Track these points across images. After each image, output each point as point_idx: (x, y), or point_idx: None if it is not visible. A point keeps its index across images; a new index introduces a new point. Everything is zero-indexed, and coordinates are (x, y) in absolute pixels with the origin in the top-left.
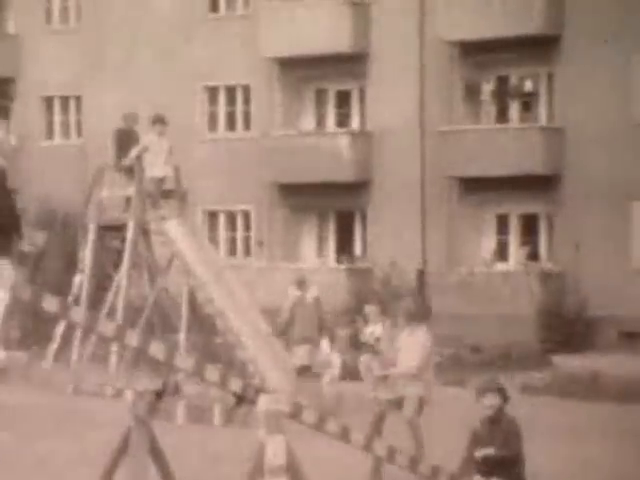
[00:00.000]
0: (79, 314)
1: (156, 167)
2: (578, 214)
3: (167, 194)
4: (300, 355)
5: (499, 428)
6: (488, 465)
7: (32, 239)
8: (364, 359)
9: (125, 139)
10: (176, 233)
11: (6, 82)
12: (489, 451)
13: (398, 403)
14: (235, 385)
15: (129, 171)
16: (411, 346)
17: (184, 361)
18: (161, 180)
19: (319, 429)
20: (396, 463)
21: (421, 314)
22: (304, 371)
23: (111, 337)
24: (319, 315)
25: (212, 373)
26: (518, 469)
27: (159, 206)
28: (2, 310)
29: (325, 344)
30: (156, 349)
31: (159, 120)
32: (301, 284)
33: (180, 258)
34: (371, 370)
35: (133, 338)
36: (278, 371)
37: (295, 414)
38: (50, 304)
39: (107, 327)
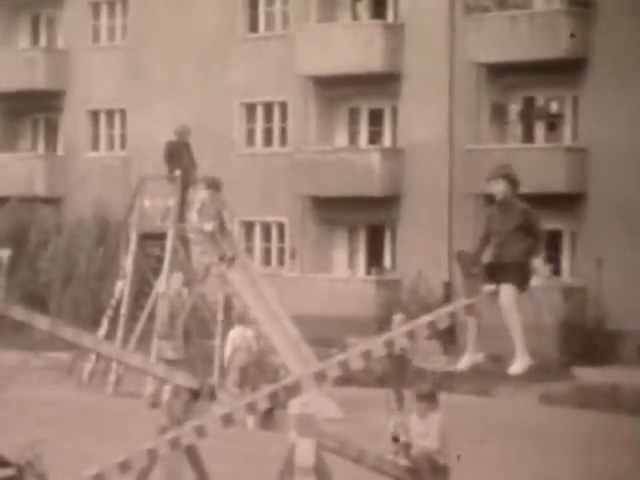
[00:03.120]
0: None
1: (206, 223)
2: (600, 231)
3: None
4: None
5: (511, 214)
6: (492, 268)
7: None
8: (391, 423)
9: (177, 151)
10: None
11: (55, 96)
12: (492, 287)
13: (414, 473)
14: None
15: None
16: (429, 430)
17: None
18: (211, 232)
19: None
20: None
21: (434, 397)
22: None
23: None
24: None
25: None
26: (520, 269)
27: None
28: None
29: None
30: None
31: (214, 185)
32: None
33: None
34: (397, 437)
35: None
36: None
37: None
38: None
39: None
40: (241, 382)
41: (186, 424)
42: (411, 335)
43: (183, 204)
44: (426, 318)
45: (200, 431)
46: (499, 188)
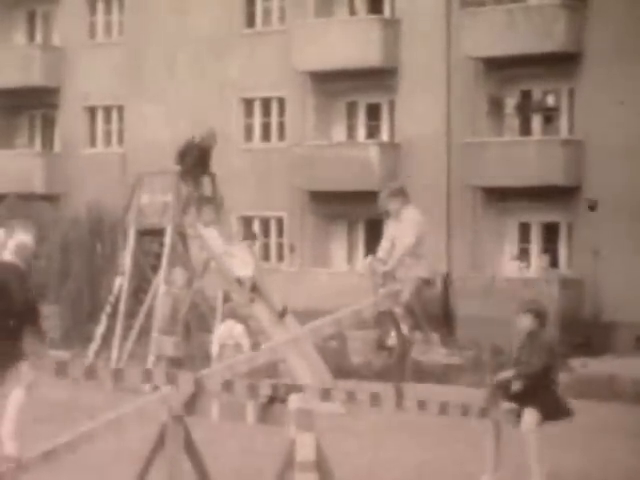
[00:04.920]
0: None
1: (238, 270)
2: (597, 223)
3: (205, 200)
4: None
5: (538, 348)
6: (517, 392)
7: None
8: (368, 260)
9: (196, 152)
10: (212, 238)
11: (52, 92)
12: (508, 373)
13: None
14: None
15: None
16: (401, 229)
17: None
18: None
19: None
20: (428, 410)
21: (400, 191)
22: None
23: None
24: None
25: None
26: (550, 390)
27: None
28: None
29: None
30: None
31: (250, 236)
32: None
33: (217, 261)
34: (376, 270)
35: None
36: (308, 370)
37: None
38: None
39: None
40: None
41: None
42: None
43: (188, 203)
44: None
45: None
46: (526, 323)
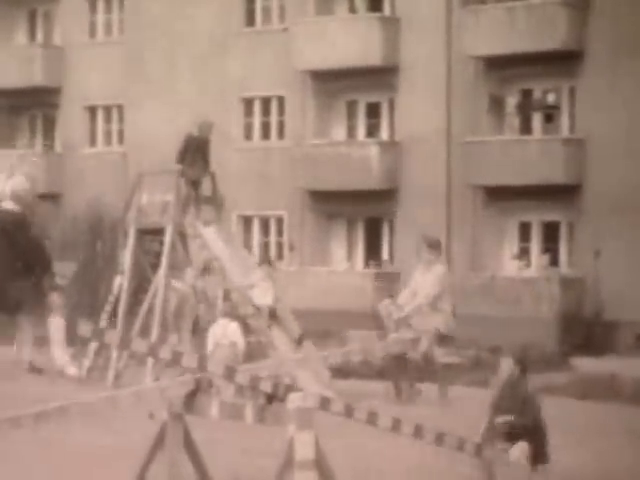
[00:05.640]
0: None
1: (258, 299)
2: (598, 222)
3: (205, 200)
4: None
5: (516, 396)
6: (509, 431)
7: (61, 272)
8: (384, 303)
9: (194, 147)
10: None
11: (52, 92)
12: (508, 418)
13: (417, 340)
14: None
15: (193, 182)
16: (427, 280)
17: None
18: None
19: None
20: (423, 439)
21: (438, 244)
22: None
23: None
24: None
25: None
26: (539, 436)
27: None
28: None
29: None
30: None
31: (267, 262)
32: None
33: (216, 261)
34: (391, 314)
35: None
36: (307, 370)
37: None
38: (84, 330)
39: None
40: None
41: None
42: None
43: (188, 200)
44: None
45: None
46: (508, 368)
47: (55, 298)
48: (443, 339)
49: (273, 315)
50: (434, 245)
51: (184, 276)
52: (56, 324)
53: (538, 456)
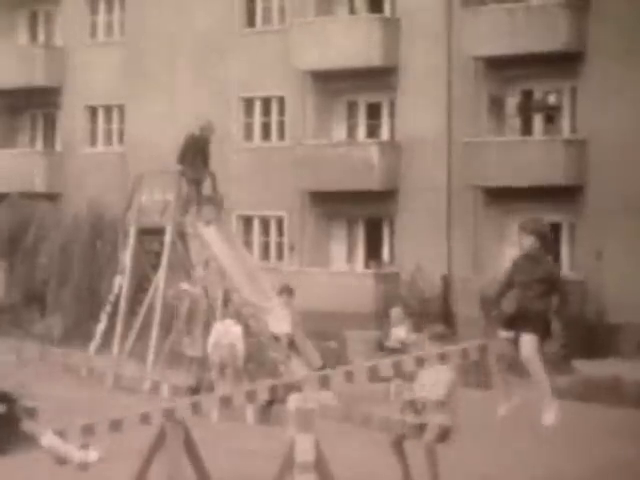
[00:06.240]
0: None
1: (278, 326)
2: (600, 224)
3: (206, 200)
4: None
5: (537, 267)
6: (517, 316)
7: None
8: (395, 384)
9: (194, 147)
10: (212, 237)
11: (53, 92)
12: (510, 334)
13: (420, 428)
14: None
15: (194, 180)
16: (436, 379)
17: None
18: (286, 335)
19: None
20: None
21: (448, 337)
22: None
23: None
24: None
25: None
26: (547, 318)
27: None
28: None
29: None
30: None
31: (286, 291)
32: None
33: (216, 261)
34: (400, 394)
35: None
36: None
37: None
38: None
39: None
40: (219, 380)
41: (183, 399)
42: (420, 362)
43: (190, 200)
44: (438, 350)
45: (196, 407)
46: (528, 242)
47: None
48: (446, 433)
49: (291, 343)
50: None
51: (193, 278)
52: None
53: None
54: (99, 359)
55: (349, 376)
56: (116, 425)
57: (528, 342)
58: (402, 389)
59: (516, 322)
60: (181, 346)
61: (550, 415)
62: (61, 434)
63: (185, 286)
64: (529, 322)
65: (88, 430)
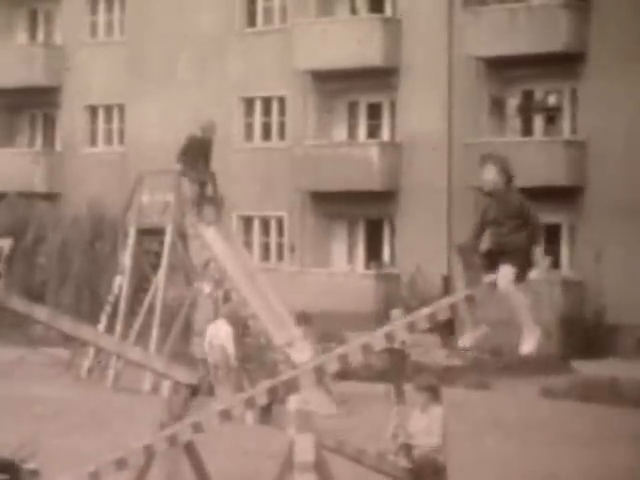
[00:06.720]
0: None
1: (300, 357)
2: (599, 224)
3: (206, 200)
4: None
5: (506, 203)
6: (495, 251)
7: None
8: (392, 423)
9: (196, 147)
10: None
11: (53, 91)
12: (492, 277)
13: (415, 473)
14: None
15: (197, 180)
16: (429, 425)
17: None
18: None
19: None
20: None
21: (435, 389)
22: None
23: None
24: None
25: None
26: (525, 251)
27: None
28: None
29: None
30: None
31: (304, 319)
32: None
33: (216, 262)
34: (396, 437)
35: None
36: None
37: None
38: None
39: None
40: (217, 382)
41: (183, 420)
42: (411, 327)
43: (196, 200)
44: (426, 310)
45: (197, 427)
46: (490, 176)
47: None
48: (437, 453)
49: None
50: (426, 388)
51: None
52: None
53: (520, 275)
54: (98, 360)
55: (343, 359)
56: (121, 464)
57: (504, 274)
58: (398, 431)
59: (494, 261)
60: (190, 346)
61: (529, 343)
62: None
63: (207, 289)
64: (506, 256)
65: (94, 477)
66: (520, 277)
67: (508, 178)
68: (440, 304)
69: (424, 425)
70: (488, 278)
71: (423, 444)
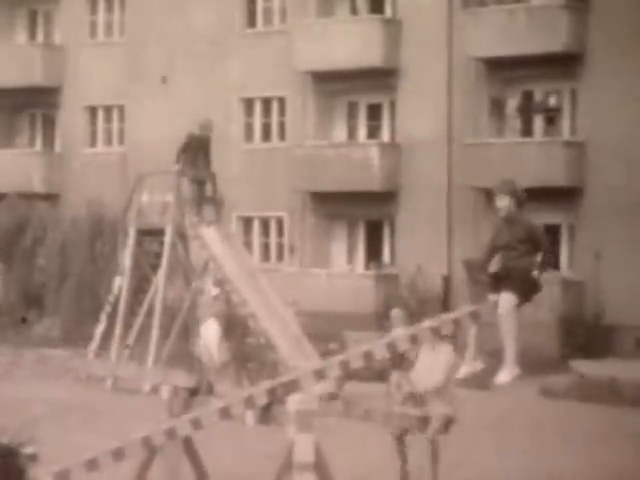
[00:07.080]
0: None
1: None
2: (599, 225)
3: (206, 200)
4: None
5: (517, 227)
6: (501, 276)
7: None
8: (394, 376)
9: (195, 145)
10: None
11: (52, 92)
12: (496, 297)
13: (424, 420)
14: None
15: (196, 179)
16: (435, 362)
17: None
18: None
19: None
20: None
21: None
22: None
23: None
24: None
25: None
26: (530, 279)
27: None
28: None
29: None
30: None
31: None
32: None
33: (215, 262)
34: (400, 386)
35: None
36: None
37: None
38: None
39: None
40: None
41: (182, 416)
42: (414, 340)
43: (196, 200)
44: (429, 323)
45: (196, 423)
46: (504, 204)
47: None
48: (450, 421)
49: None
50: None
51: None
52: None
53: (526, 295)
54: (98, 360)
55: (345, 365)
56: (118, 454)
57: (505, 300)
58: (401, 381)
59: (500, 283)
60: (193, 347)
61: (505, 376)
62: (65, 475)
63: (214, 291)
64: (511, 281)
65: (92, 465)
66: (523, 301)
67: (519, 202)
68: (444, 318)
69: (430, 363)
70: (492, 297)
71: (427, 384)
